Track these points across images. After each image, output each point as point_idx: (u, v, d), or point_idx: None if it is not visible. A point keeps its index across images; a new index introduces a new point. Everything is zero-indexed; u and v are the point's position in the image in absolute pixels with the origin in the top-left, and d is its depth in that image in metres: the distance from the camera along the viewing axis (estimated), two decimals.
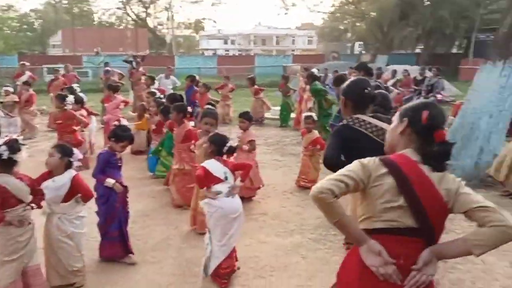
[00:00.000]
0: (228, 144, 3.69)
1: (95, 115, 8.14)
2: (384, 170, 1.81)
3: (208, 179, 3.57)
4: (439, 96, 12.33)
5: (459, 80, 23.38)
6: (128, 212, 4.12)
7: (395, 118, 2.02)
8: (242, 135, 5.49)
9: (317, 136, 6.26)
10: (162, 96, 7.67)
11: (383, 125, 2.70)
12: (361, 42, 43.45)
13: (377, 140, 2.65)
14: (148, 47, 44.88)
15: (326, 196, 1.77)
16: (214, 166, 3.61)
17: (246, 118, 5.53)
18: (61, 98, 6.05)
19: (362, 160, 1.87)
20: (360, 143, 2.67)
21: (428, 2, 29.74)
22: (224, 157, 3.72)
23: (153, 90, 8.41)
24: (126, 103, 8.80)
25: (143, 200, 5.67)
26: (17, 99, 8.93)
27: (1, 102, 8.63)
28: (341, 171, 1.85)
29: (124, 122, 4.39)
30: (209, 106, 5.54)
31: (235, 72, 23.59)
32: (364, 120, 2.75)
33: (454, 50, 34.56)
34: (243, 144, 5.37)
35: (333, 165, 2.53)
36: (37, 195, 3.22)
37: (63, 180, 3.37)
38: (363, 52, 40.01)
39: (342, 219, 1.83)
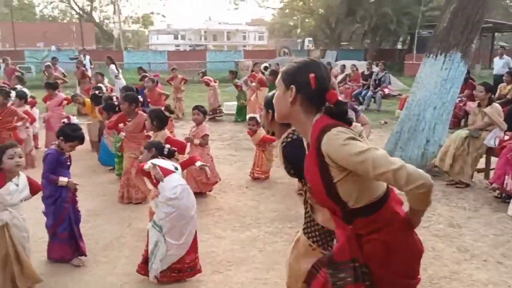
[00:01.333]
0: (167, 147, 3.63)
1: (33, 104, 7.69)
2: None
3: None
4: (386, 90, 12.76)
5: (404, 75, 24.33)
6: (79, 212, 3.97)
7: (279, 84, 1.90)
8: (196, 130, 5.41)
9: (263, 135, 6.24)
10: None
11: None
12: (311, 38, 44.11)
13: None
14: (94, 42, 43.42)
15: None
16: (159, 161, 3.47)
17: (201, 111, 5.47)
18: (5, 93, 5.70)
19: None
20: None
21: (370, 0, 30.67)
22: None
23: (100, 85, 8.16)
24: (68, 101, 8.49)
25: (94, 199, 5.48)
26: None
27: None
28: (384, 152, 1.65)
29: (74, 120, 4.15)
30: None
31: (186, 68, 23.32)
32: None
33: (399, 46, 35.89)
34: (196, 139, 5.30)
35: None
36: None
37: (24, 181, 3.24)
38: (313, 47, 40.62)
39: None
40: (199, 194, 5.59)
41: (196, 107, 5.53)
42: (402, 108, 8.04)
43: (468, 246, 4.21)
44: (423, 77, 6.55)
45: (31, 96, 7.68)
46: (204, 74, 12.21)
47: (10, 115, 5.68)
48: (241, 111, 11.32)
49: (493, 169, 5.93)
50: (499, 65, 13.68)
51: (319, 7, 33.43)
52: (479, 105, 6.05)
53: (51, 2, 51.42)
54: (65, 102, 7.99)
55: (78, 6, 47.92)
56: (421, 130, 6.40)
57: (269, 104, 2.55)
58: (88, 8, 48.65)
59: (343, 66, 15.56)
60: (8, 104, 5.82)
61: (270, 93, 2.66)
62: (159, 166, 3.37)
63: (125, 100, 5.13)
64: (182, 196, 3.36)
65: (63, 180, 3.70)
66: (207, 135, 5.46)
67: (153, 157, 3.57)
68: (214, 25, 71.63)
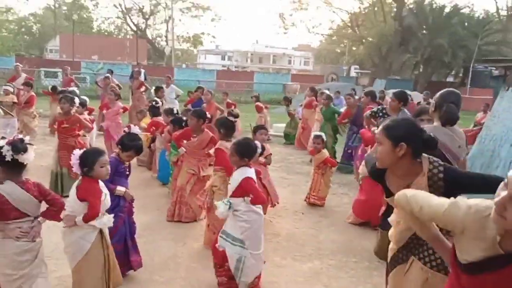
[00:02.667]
0: (259, 146, 3.63)
1: (92, 111, 7.72)
2: None
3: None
4: None
5: None
6: (134, 224, 3.81)
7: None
8: None
9: (327, 157, 6.10)
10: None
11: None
12: (357, 66, 43.66)
13: None
14: (146, 58, 44.77)
15: None
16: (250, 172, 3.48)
17: (267, 130, 5.34)
18: (70, 100, 5.70)
19: None
20: None
21: (425, 32, 30.06)
22: None
23: (156, 99, 8.17)
24: (125, 109, 8.53)
25: (148, 213, 5.33)
26: (15, 100, 8.58)
27: (0, 102, 8.26)
28: None
29: (135, 129, 4.05)
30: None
31: (234, 88, 23.48)
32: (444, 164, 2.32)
33: (450, 79, 34.86)
34: (261, 158, 5.10)
35: None
36: (53, 206, 2.86)
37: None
38: (360, 74, 40.18)
39: None
40: None
41: (262, 127, 5.36)
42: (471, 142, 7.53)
43: None
44: (501, 111, 6.09)
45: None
46: (258, 98, 11.91)
47: (75, 123, 5.68)
48: (288, 136, 11.23)
49: None
50: None
51: (372, 35, 33.10)
52: None
53: (108, 18, 53.86)
54: (121, 110, 8.01)
55: (134, 23, 49.87)
56: (495, 168, 5.91)
57: (405, 137, 2.20)
58: (143, 26, 50.51)
59: None
60: (72, 111, 5.82)
61: (401, 119, 2.43)
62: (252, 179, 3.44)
63: (194, 116, 5.01)
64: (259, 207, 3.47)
65: (120, 189, 3.57)
66: (271, 154, 5.26)
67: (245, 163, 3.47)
68: (261, 48, 72.50)
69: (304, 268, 4.14)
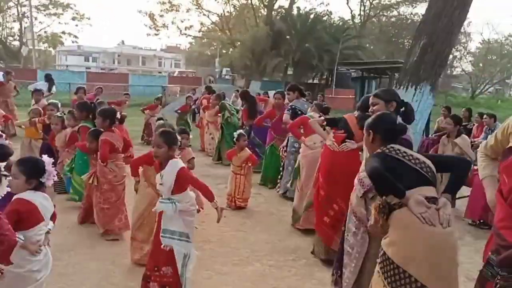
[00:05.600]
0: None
1: None
2: None
3: None
4: None
5: None
6: None
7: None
8: (182, 153, 4.92)
9: (250, 154, 6.05)
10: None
11: (418, 155, 2.62)
12: (228, 68, 44.30)
13: (417, 169, 2.54)
14: None
15: None
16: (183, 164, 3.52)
17: (188, 134, 5.05)
18: None
19: None
20: (397, 171, 2.51)
21: (293, 37, 32.00)
22: None
23: (54, 101, 7.23)
24: (7, 118, 7.45)
25: (60, 231, 4.67)
26: None
27: None
28: None
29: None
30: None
31: (109, 91, 22.07)
32: (399, 149, 2.64)
33: (316, 81, 37.59)
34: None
35: (380, 174, 2.46)
36: None
37: None
38: (229, 77, 40.83)
39: None
40: None
41: (184, 131, 5.08)
42: None
43: (474, 275, 4.22)
44: None
45: None
46: (160, 100, 11.08)
47: None
48: None
49: (461, 197, 6.20)
50: None
51: (244, 39, 33.95)
52: (448, 136, 6.33)
53: None
54: (2, 120, 6.96)
55: None
56: None
57: (370, 126, 2.80)
58: None
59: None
60: None
61: (376, 115, 2.92)
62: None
63: (101, 115, 4.57)
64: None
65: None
66: (194, 158, 5.02)
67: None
68: (129, 49, 69.73)
69: (247, 272, 4.03)
